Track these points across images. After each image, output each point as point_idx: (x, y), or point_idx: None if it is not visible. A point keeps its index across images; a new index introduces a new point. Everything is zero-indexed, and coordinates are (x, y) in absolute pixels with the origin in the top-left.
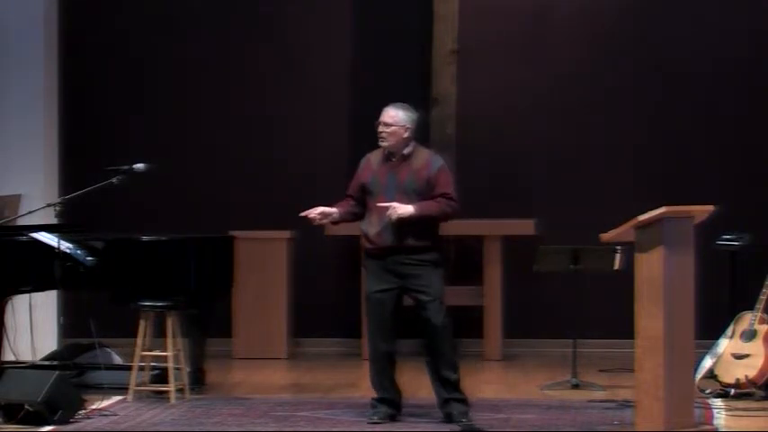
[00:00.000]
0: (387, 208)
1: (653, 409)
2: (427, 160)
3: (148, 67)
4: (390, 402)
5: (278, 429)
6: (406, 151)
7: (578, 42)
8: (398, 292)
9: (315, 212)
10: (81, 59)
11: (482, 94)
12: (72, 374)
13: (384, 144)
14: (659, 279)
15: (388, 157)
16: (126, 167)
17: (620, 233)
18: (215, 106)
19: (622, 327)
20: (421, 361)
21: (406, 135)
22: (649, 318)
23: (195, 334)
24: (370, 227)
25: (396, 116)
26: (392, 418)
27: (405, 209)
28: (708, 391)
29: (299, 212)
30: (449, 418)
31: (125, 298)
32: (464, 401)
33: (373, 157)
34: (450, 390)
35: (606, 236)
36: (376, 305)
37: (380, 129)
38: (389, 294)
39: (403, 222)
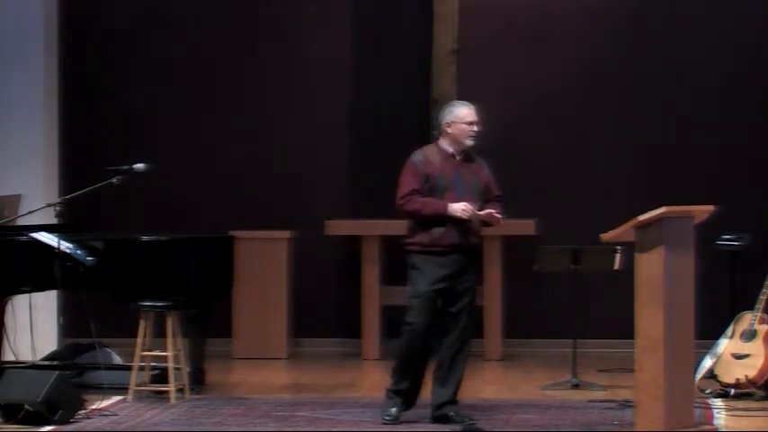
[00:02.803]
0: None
1: (653, 409)
2: (480, 162)
3: (148, 68)
4: (407, 397)
5: (278, 429)
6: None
7: (578, 42)
8: (445, 292)
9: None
10: (81, 59)
11: (482, 94)
12: (72, 374)
13: (472, 143)
14: (659, 279)
15: (452, 155)
16: (126, 167)
17: (620, 233)
18: (215, 106)
19: (622, 327)
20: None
21: None
22: (649, 318)
23: (195, 334)
24: (438, 224)
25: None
26: (396, 418)
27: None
28: (708, 391)
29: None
30: (445, 419)
31: (125, 298)
32: (456, 402)
33: (430, 154)
34: (451, 392)
35: (606, 236)
36: (430, 303)
37: (475, 128)
38: (441, 293)
39: (470, 223)
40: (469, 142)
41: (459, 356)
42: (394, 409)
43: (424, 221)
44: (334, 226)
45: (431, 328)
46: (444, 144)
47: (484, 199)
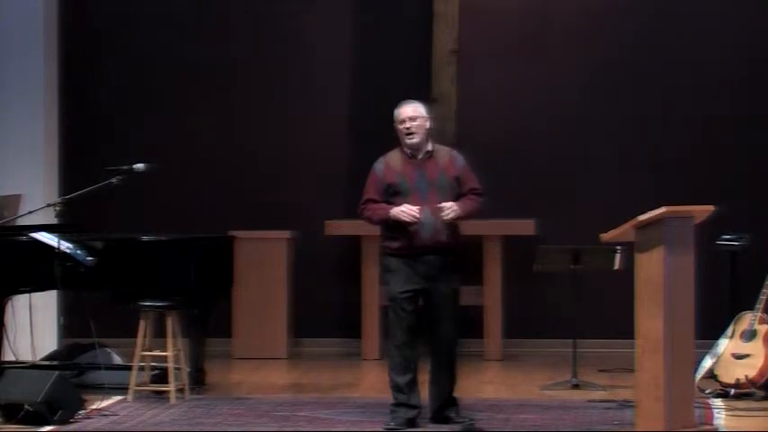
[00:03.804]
0: (432, 207)
1: (653, 409)
2: (451, 157)
3: (148, 67)
4: (410, 406)
5: (278, 429)
6: (429, 147)
7: (578, 42)
8: (421, 294)
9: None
10: (81, 59)
11: (482, 94)
12: (72, 374)
13: (414, 140)
14: (659, 279)
15: (412, 155)
16: (126, 167)
17: (620, 233)
18: (215, 106)
19: (622, 327)
20: (421, 360)
21: (427, 126)
22: (649, 318)
23: (195, 334)
24: (403, 227)
25: (417, 109)
26: (411, 423)
27: (456, 208)
28: (708, 391)
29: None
30: (446, 420)
31: (125, 298)
32: (456, 403)
33: (391, 159)
34: (446, 397)
35: (606, 236)
36: (402, 308)
37: (407, 125)
38: (416, 296)
39: (438, 221)
40: (408, 141)
41: (448, 359)
42: (393, 423)
43: (391, 226)
44: (334, 226)
45: (413, 329)
46: (404, 146)
47: (456, 194)
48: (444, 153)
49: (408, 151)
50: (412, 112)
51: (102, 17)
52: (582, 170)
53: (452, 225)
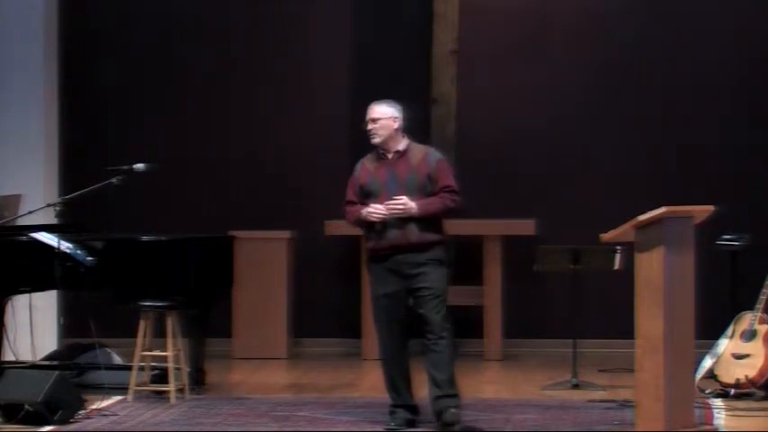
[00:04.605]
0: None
1: (653, 409)
2: (424, 154)
3: (148, 67)
4: (408, 407)
5: (278, 429)
6: (401, 147)
7: (578, 42)
8: (405, 293)
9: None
10: (81, 59)
11: (482, 94)
12: (72, 374)
13: (377, 140)
14: (659, 279)
15: (383, 155)
16: (126, 167)
17: (620, 233)
18: (215, 106)
19: (622, 327)
20: (421, 360)
21: (396, 126)
22: (649, 318)
23: (195, 334)
24: (374, 227)
25: (381, 110)
26: (411, 424)
27: (410, 206)
28: (708, 391)
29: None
30: (438, 417)
31: (125, 298)
32: (455, 397)
33: (367, 161)
34: (441, 387)
35: (606, 236)
36: (384, 309)
37: (369, 127)
38: (397, 296)
39: (406, 220)
40: (372, 141)
41: (438, 356)
42: (393, 423)
43: (366, 227)
44: (334, 226)
45: (401, 330)
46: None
47: (427, 192)
48: (418, 151)
49: (381, 151)
50: (374, 114)
51: (102, 17)
52: (582, 170)
53: (424, 222)
